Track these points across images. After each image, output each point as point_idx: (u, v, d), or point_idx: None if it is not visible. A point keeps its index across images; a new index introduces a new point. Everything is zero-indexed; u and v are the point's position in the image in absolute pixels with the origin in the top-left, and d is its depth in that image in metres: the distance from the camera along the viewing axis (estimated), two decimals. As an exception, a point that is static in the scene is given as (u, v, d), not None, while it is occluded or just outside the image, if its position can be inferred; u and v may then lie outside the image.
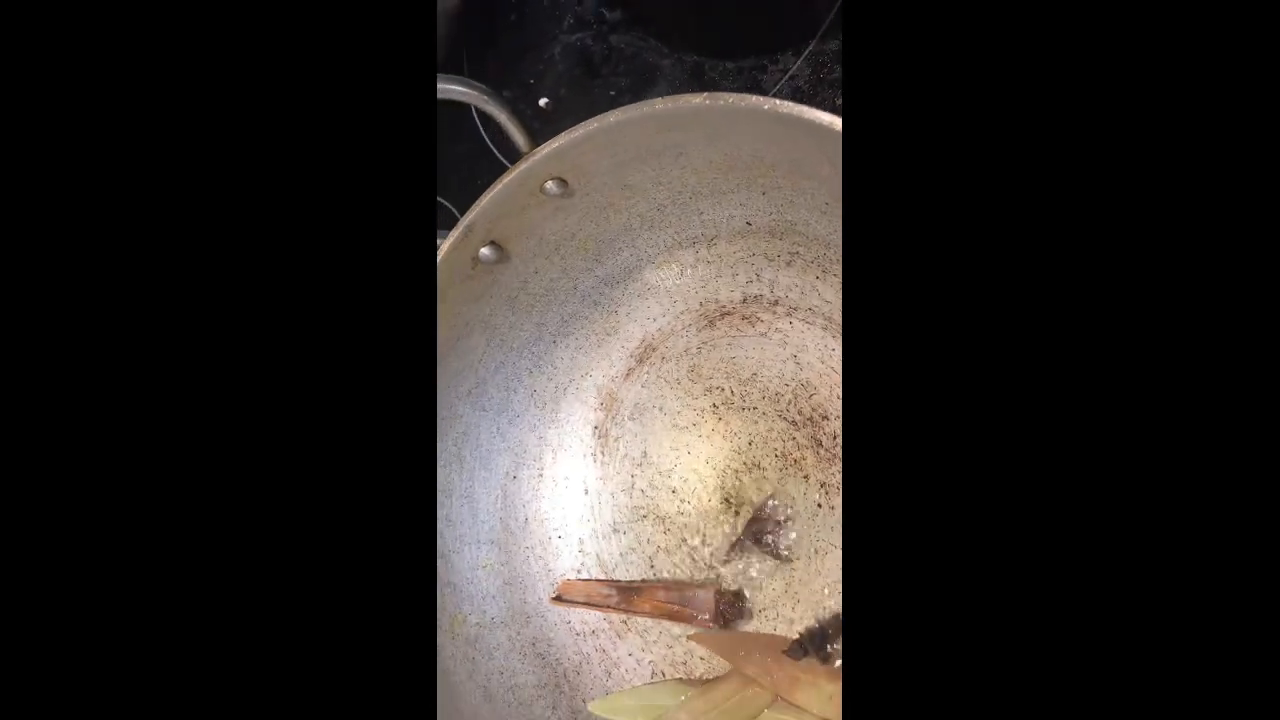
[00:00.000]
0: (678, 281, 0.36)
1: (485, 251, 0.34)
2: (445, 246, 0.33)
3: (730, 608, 0.32)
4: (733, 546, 0.34)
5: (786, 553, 0.33)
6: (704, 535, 0.35)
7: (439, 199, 0.47)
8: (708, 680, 0.33)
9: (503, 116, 0.30)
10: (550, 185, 0.32)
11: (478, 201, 0.32)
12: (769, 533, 0.33)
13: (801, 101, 0.30)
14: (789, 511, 0.33)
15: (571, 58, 0.47)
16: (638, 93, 0.44)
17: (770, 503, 0.33)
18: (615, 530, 0.37)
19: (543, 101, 0.47)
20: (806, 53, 0.38)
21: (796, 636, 0.31)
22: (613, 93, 0.45)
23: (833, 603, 0.32)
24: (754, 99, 0.25)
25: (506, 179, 0.31)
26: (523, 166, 0.31)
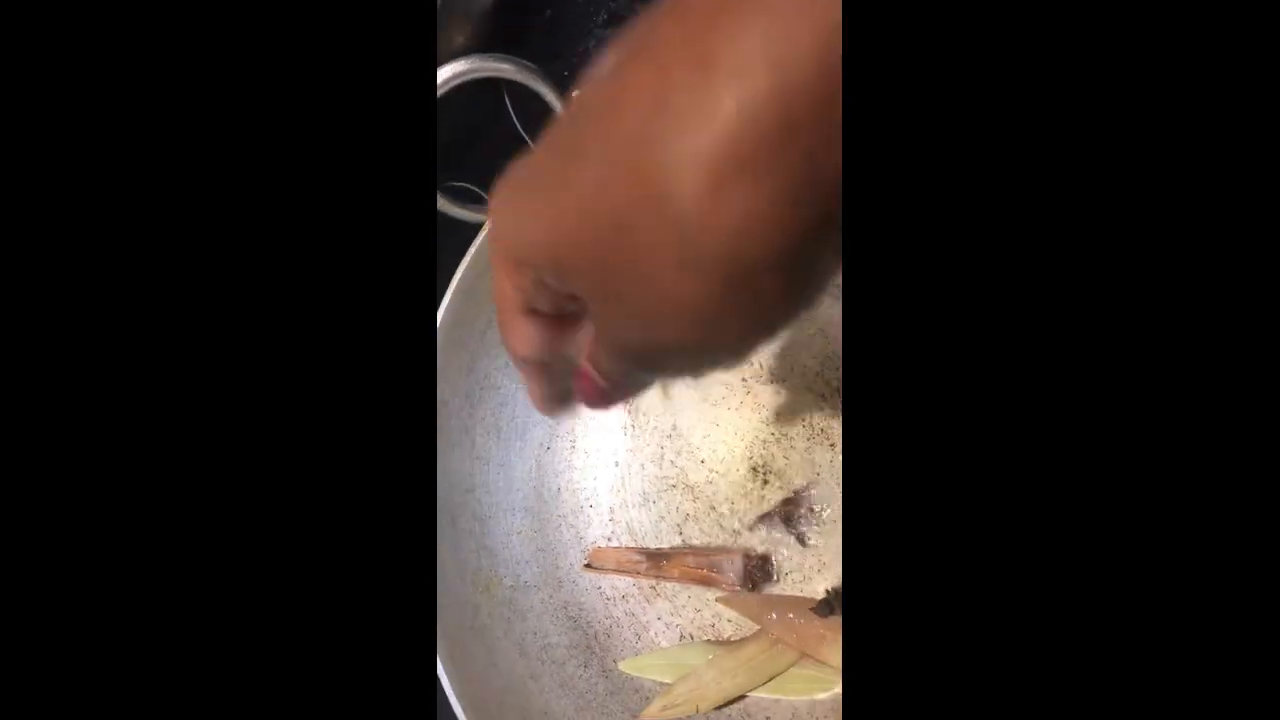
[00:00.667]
0: (710, 260, 0.38)
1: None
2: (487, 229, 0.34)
3: (758, 571, 0.34)
4: (761, 517, 0.35)
5: (812, 540, 0.34)
6: (732, 503, 0.36)
7: (467, 185, 0.48)
8: (735, 640, 0.34)
9: (550, 95, 0.32)
10: (594, 162, 0.33)
11: (524, 177, 0.34)
12: (800, 516, 0.34)
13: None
14: (824, 502, 0.35)
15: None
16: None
17: (809, 490, 0.35)
18: (645, 500, 0.39)
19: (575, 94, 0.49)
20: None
21: (823, 595, 0.32)
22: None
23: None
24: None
25: (553, 155, 0.33)
26: (569, 143, 0.32)
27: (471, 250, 0.35)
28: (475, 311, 0.36)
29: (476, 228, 0.35)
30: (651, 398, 0.39)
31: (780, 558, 0.35)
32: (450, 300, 0.35)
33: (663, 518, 0.38)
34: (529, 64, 0.31)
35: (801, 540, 0.34)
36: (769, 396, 0.37)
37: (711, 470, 0.37)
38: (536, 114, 0.46)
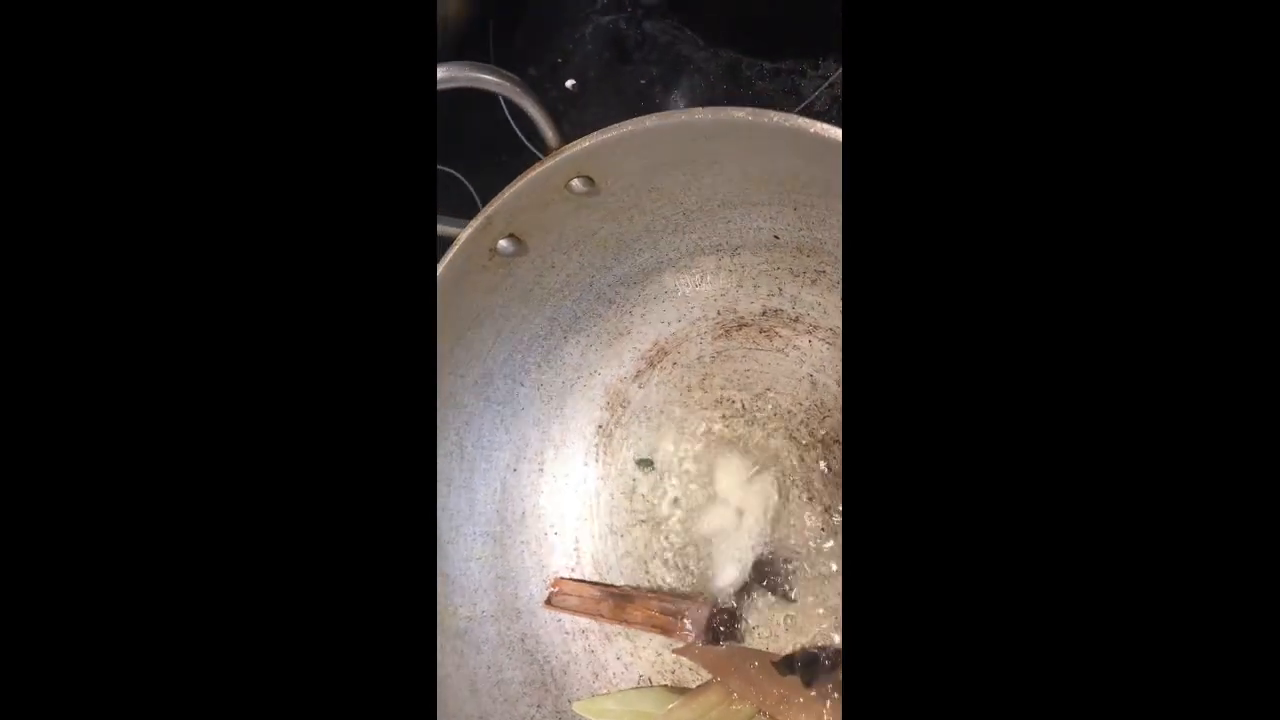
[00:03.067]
0: (697, 288, 0.36)
1: (504, 244, 0.33)
2: (464, 236, 0.32)
3: (721, 625, 0.32)
4: (740, 592, 0.33)
5: (793, 593, 0.32)
6: (701, 548, 0.35)
7: (466, 183, 0.46)
8: (692, 689, 0.33)
9: (533, 109, 0.29)
10: (577, 183, 0.31)
11: (501, 194, 0.31)
12: (776, 574, 0.32)
13: (840, 113, 0.29)
14: (795, 552, 0.33)
15: (602, 39, 0.46)
16: (668, 84, 0.43)
17: (772, 549, 0.33)
18: (613, 532, 0.37)
19: (570, 83, 0.45)
20: (848, 61, 0.36)
21: (788, 654, 0.31)
22: (642, 81, 0.44)
23: (826, 626, 0.31)
24: (799, 120, 0.24)
25: (532, 174, 0.30)
26: (550, 163, 0.30)
27: (439, 268, 0.32)
28: (442, 329, 0.34)
29: (446, 241, 0.32)
30: (629, 418, 0.37)
31: (752, 611, 0.33)
32: (417, 314, 0.33)
33: (629, 553, 0.37)
34: (511, 76, 0.28)
35: (786, 596, 0.32)
36: (748, 439, 0.35)
37: (684, 510, 0.36)
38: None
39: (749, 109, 0.25)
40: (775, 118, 0.24)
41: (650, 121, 0.27)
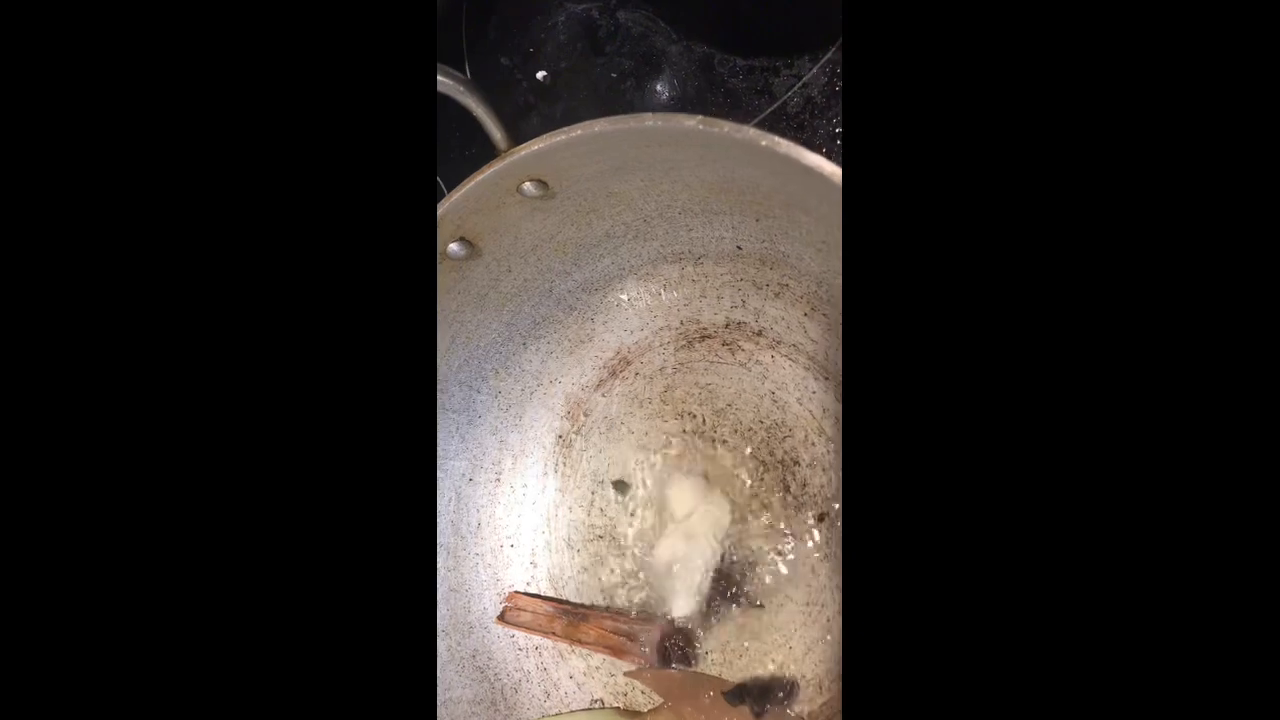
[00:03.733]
0: (659, 296, 0.34)
1: (454, 247, 0.31)
2: (410, 240, 0.30)
3: (675, 648, 0.31)
4: (706, 612, 0.32)
5: (759, 600, 0.31)
6: (658, 566, 0.34)
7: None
8: (643, 714, 0.32)
9: (480, 111, 0.27)
10: (529, 186, 0.29)
11: (449, 195, 0.29)
12: (736, 583, 0.31)
13: (813, 114, 0.28)
14: (751, 556, 0.32)
15: (575, 29, 0.44)
16: (641, 78, 0.41)
17: (730, 556, 0.32)
18: (570, 546, 0.36)
19: (540, 75, 0.44)
20: (824, 60, 0.35)
21: (739, 683, 0.30)
22: (614, 74, 0.42)
23: (781, 657, 0.30)
24: (751, 131, 0.22)
25: (480, 177, 0.28)
26: (498, 166, 0.28)
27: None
28: (393, 334, 0.32)
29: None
30: (591, 429, 0.36)
31: (706, 633, 0.32)
32: (366, 318, 0.31)
33: (585, 569, 0.36)
34: (458, 74, 0.27)
35: (752, 603, 0.31)
36: (709, 455, 0.34)
37: (642, 526, 0.34)
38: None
39: (701, 117, 0.23)
40: (726, 128, 0.22)
41: (600, 126, 0.25)
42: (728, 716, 0.29)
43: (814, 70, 0.35)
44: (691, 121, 0.23)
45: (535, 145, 0.27)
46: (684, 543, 0.33)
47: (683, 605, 0.32)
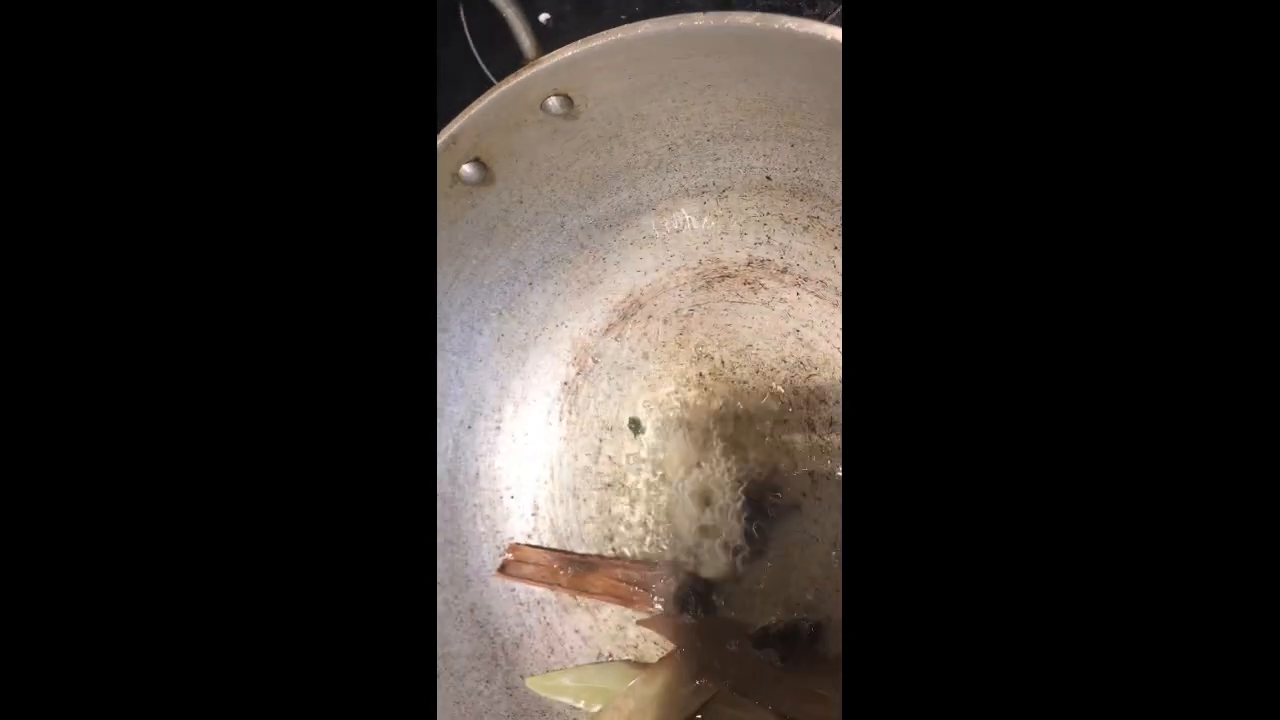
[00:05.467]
0: (678, 233, 0.33)
1: (468, 169, 0.29)
2: (423, 156, 0.28)
3: (693, 597, 0.30)
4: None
5: (796, 500, 0.30)
6: (672, 513, 0.32)
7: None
8: (654, 664, 0.30)
9: (510, 11, 0.26)
10: (553, 102, 0.28)
11: (468, 109, 0.28)
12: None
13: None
14: (776, 499, 0.31)
15: (582, -33, 0.42)
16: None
17: (753, 494, 0.31)
18: (575, 496, 0.34)
19: (544, 17, 0.42)
20: None
21: (763, 627, 0.28)
22: (623, 17, 0.40)
23: (810, 598, 0.29)
24: (815, 25, 0.21)
25: (505, 87, 0.27)
26: (526, 74, 0.26)
27: (396, 190, 0.29)
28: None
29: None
30: (599, 374, 0.35)
31: (725, 580, 0.31)
32: (366, 246, 0.29)
33: (591, 519, 0.34)
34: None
35: (794, 504, 0.29)
36: (728, 397, 0.33)
37: (654, 473, 0.33)
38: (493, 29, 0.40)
39: (758, 14, 0.22)
40: (787, 23, 0.21)
41: (644, 28, 0.24)
42: (750, 661, 0.28)
43: (837, 10, 0.34)
44: (747, 19, 0.22)
45: (568, 52, 0.26)
46: (703, 483, 0.31)
47: (701, 544, 0.31)
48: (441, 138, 0.28)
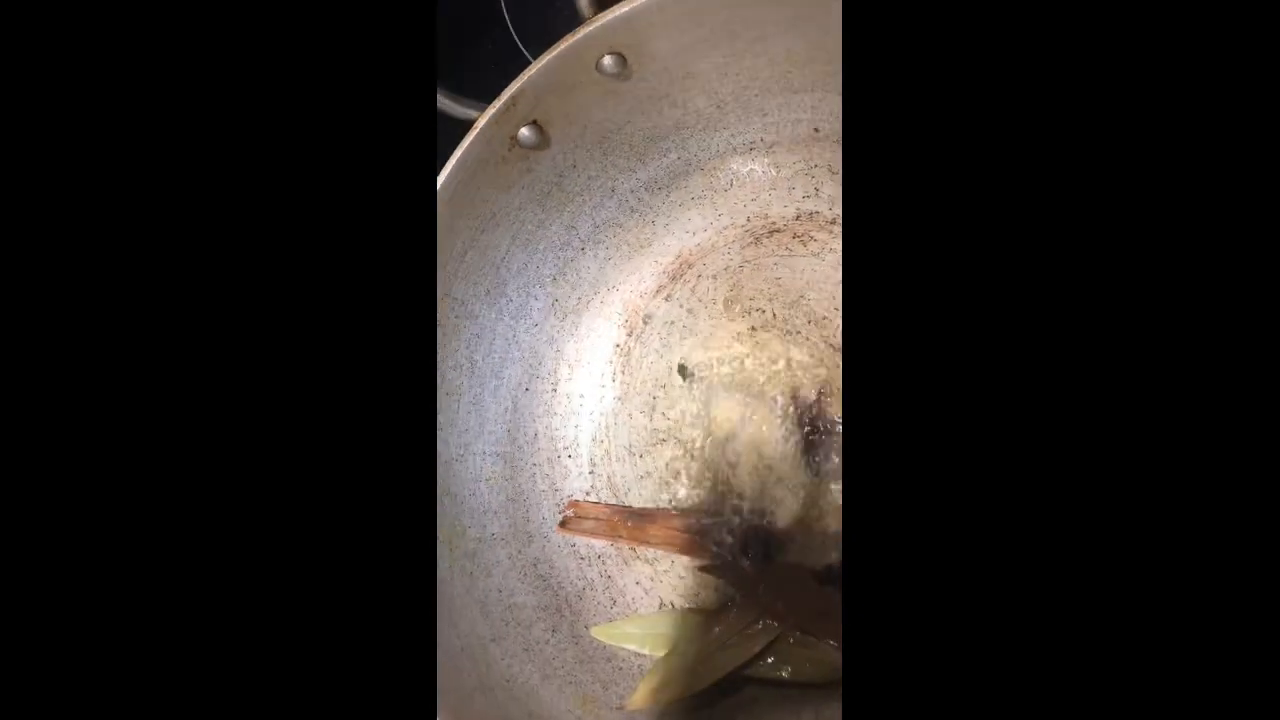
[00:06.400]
0: (726, 192, 0.34)
1: (525, 132, 0.31)
2: (485, 119, 0.29)
3: (757, 545, 0.31)
4: (803, 458, 0.31)
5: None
6: (729, 463, 0.33)
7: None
8: (718, 609, 0.31)
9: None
10: (608, 61, 0.29)
11: (526, 70, 0.29)
12: (830, 433, 0.30)
13: None
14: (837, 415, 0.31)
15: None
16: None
17: (816, 412, 0.31)
18: (631, 453, 0.35)
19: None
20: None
21: (827, 564, 0.29)
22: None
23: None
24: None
25: (562, 46, 0.28)
26: (583, 33, 0.27)
27: (455, 155, 0.30)
28: (455, 228, 0.31)
29: (464, 125, 0.30)
30: (650, 335, 0.36)
31: (785, 525, 0.31)
32: (428, 212, 0.30)
33: (649, 473, 0.35)
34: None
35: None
36: (779, 349, 0.33)
37: (709, 426, 0.34)
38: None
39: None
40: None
41: (699, -24, 0.25)
42: (815, 600, 0.28)
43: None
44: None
45: (624, 8, 0.27)
46: (762, 431, 0.32)
47: (763, 491, 0.31)
48: (500, 100, 0.29)
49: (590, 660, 0.31)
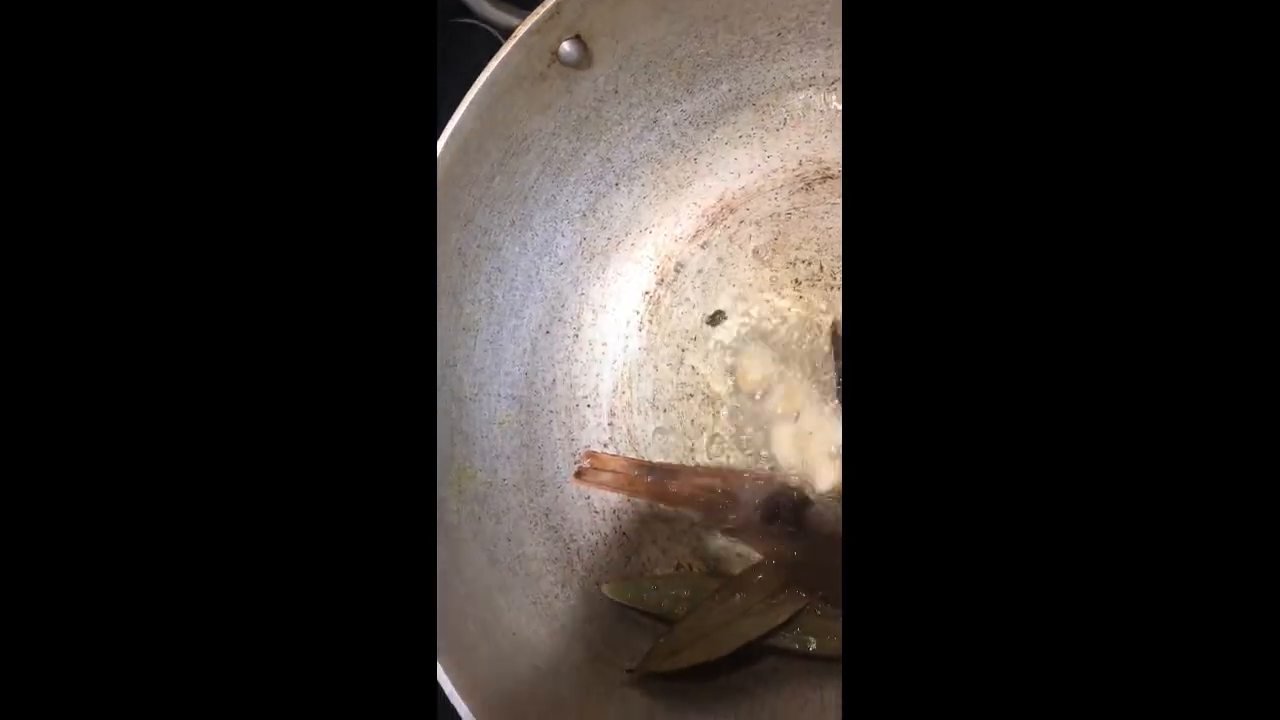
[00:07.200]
0: (778, 131, 0.31)
1: (567, 47, 0.28)
2: (525, 27, 0.27)
3: (783, 506, 0.29)
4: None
5: None
6: (761, 423, 0.31)
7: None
8: (739, 574, 0.29)
9: None
10: (665, -30, 0.26)
11: (574, -25, 0.26)
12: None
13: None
14: None
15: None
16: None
17: None
18: (654, 407, 0.33)
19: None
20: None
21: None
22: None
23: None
24: None
25: (617, -53, 0.25)
26: (642, -68, 0.25)
27: (491, 66, 0.27)
28: (484, 149, 0.29)
29: (496, 37, 0.27)
30: (683, 283, 0.33)
31: (820, 492, 0.30)
32: (455, 129, 0.28)
33: (672, 428, 0.33)
34: None
35: None
36: (826, 304, 0.31)
37: (742, 381, 0.32)
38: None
39: None
40: None
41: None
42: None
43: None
44: None
45: (690, -94, 0.24)
46: (801, 390, 0.30)
47: (801, 467, 0.29)
48: (544, 6, 0.27)
49: (600, 618, 0.30)
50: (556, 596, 0.30)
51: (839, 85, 0.30)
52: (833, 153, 0.31)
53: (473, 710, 0.24)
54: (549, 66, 0.28)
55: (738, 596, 0.28)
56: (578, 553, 0.31)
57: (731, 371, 0.32)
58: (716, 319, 0.32)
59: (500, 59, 0.27)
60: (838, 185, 0.31)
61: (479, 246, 0.31)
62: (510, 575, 0.30)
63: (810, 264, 0.31)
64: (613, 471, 0.32)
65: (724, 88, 0.31)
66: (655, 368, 0.34)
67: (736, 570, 0.30)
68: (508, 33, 0.27)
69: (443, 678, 0.24)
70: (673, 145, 0.32)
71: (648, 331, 0.34)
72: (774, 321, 0.32)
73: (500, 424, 0.32)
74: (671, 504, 0.31)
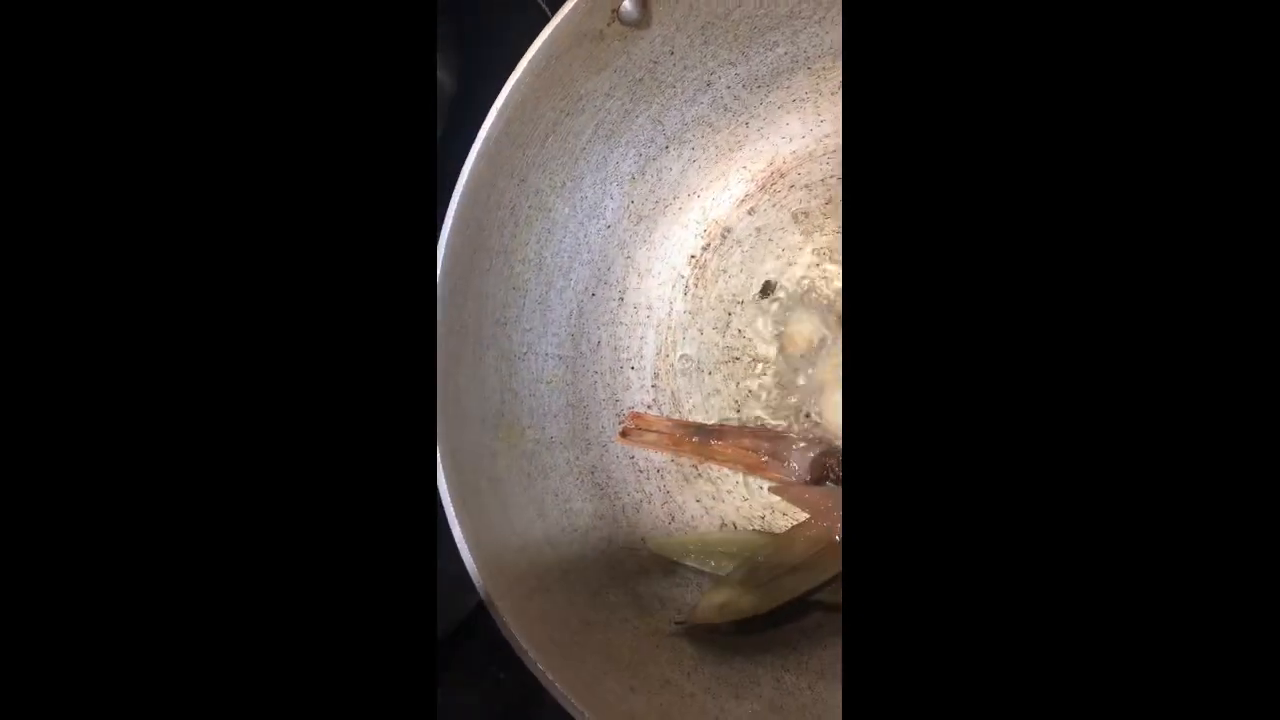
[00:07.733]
0: (833, 96, 0.31)
1: (628, 5, 0.28)
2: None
3: (830, 465, 0.29)
4: None
5: None
6: (809, 389, 0.31)
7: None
8: (786, 532, 0.30)
9: None
10: (732, -72, 0.26)
11: (640, -70, 0.26)
12: None
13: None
14: None
15: None
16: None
17: None
18: (699, 369, 0.34)
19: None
20: None
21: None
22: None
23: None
24: None
25: (686, -97, 0.25)
26: (713, -112, 0.25)
27: (553, 22, 0.28)
28: (539, 111, 0.29)
29: (551, 6, 0.27)
30: (729, 248, 0.34)
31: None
32: (511, 92, 0.28)
33: (717, 391, 0.33)
34: None
35: None
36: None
37: (788, 344, 0.32)
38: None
39: None
40: None
41: None
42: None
43: None
44: None
45: None
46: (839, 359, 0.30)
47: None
48: (608, -37, 0.27)
49: (648, 573, 0.30)
50: (604, 551, 0.31)
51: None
52: (887, 118, 0.31)
53: (531, 652, 0.24)
54: (609, 25, 0.28)
55: (787, 552, 0.29)
56: (623, 510, 0.32)
57: (778, 335, 0.32)
58: (767, 290, 0.32)
59: (563, 15, 0.27)
60: (891, 151, 0.31)
61: (531, 207, 0.31)
62: (558, 530, 0.30)
63: (861, 230, 0.31)
64: (657, 432, 0.32)
65: (780, 50, 0.31)
66: (700, 332, 0.34)
67: (780, 529, 0.30)
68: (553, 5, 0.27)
69: (500, 622, 0.25)
70: (725, 108, 0.32)
71: (693, 295, 0.34)
72: (822, 286, 0.32)
73: (548, 383, 0.33)
74: (716, 464, 0.31)
